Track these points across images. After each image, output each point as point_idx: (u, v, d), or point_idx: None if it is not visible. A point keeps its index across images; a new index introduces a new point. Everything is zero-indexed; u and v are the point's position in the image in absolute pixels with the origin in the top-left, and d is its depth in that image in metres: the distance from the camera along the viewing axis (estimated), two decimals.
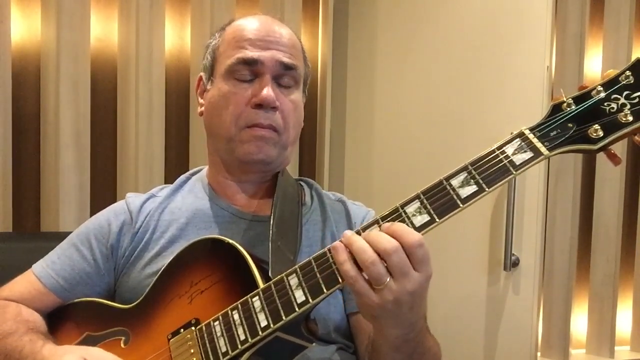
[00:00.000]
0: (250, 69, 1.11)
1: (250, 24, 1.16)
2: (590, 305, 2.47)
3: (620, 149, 2.30)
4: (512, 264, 1.69)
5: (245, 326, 0.85)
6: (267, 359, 0.87)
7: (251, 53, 1.10)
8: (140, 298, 1.04)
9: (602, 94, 0.78)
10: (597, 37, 2.44)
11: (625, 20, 2.37)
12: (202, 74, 1.22)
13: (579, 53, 2.25)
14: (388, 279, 0.75)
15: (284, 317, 0.82)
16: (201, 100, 1.21)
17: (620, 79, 0.78)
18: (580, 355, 2.48)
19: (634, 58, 0.79)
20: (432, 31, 1.95)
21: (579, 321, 2.50)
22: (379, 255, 0.75)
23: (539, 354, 2.21)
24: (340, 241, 0.79)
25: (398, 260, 0.75)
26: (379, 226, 0.80)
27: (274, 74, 1.11)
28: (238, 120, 1.10)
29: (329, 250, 0.82)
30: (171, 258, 1.02)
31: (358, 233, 0.80)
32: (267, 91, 1.08)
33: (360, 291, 0.77)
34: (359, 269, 0.77)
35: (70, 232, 1.21)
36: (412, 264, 0.76)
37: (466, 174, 0.78)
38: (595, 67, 2.44)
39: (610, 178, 2.40)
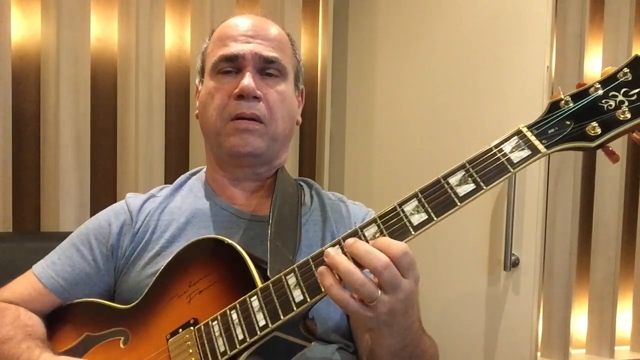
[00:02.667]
0: (233, 64, 1.12)
1: (234, 22, 1.18)
2: (590, 305, 2.47)
3: (620, 149, 2.29)
4: (512, 264, 1.68)
5: (244, 326, 0.85)
6: (265, 359, 0.87)
7: (232, 49, 1.12)
8: (140, 298, 1.04)
9: (600, 91, 0.78)
10: (597, 37, 2.43)
11: (625, 20, 2.37)
12: (196, 80, 1.25)
13: (579, 53, 2.25)
14: (379, 294, 0.75)
15: (282, 317, 0.82)
16: (197, 104, 1.23)
17: (618, 76, 0.78)
18: (580, 355, 2.48)
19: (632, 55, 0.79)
20: (432, 31, 1.95)
21: (579, 321, 2.49)
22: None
23: (539, 354, 2.21)
24: (324, 262, 0.79)
25: (390, 276, 0.75)
26: (377, 225, 0.80)
27: (256, 66, 1.12)
28: (222, 113, 1.11)
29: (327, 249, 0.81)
30: (170, 258, 1.03)
31: (356, 232, 0.80)
32: (247, 81, 1.09)
33: (353, 311, 0.77)
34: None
35: (70, 232, 1.22)
36: (401, 273, 0.76)
37: (464, 172, 0.78)
38: (595, 67, 2.44)
39: (610, 178, 2.39)
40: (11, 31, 1.89)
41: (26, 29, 1.94)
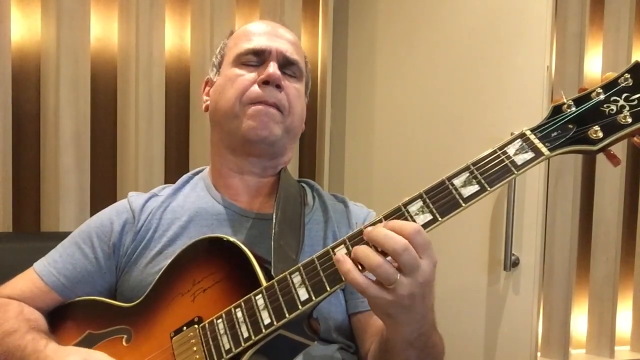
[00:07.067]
0: (258, 58, 1.16)
1: (256, 23, 1.22)
2: (590, 305, 2.48)
3: (620, 149, 2.30)
4: (512, 264, 1.69)
5: (249, 324, 0.86)
6: (269, 357, 0.87)
7: (260, 43, 1.16)
8: (143, 296, 1.04)
9: (602, 96, 0.79)
10: (597, 37, 2.44)
11: (625, 20, 2.37)
12: (208, 76, 1.26)
13: (579, 53, 2.25)
14: (398, 276, 0.75)
15: (287, 315, 0.82)
16: (206, 98, 1.23)
17: (619, 81, 0.79)
18: (580, 355, 2.48)
19: (633, 61, 0.80)
20: (432, 31, 1.95)
21: (579, 321, 2.50)
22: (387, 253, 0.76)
23: (539, 354, 2.21)
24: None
25: (409, 257, 0.75)
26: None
27: (279, 62, 1.15)
28: (242, 97, 1.13)
29: (332, 249, 0.82)
30: (173, 256, 1.03)
31: (360, 232, 0.81)
32: (273, 69, 1.12)
33: (373, 294, 0.77)
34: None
35: (70, 232, 1.22)
36: (417, 253, 0.76)
37: (468, 174, 0.79)
38: (595, 67, 2.44)
39: (610, 178, 2.40)
40: (11, 31, 1.89)
41: (26, 29, 1.94)
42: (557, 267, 2.33)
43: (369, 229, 0.78)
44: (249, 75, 1.14)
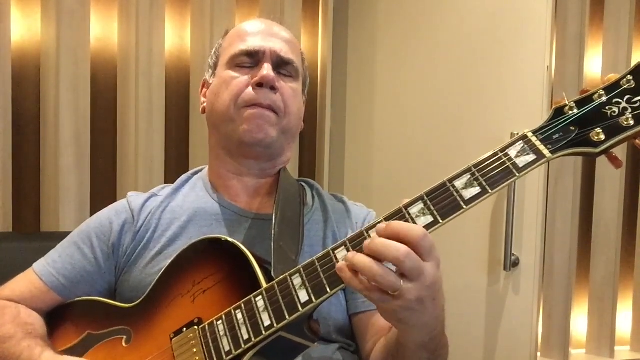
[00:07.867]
0: (252, 59, 1.15)
1: (252, 22, 1.21)
2: (590, 305, 2.47)
3: (620, 149, 2.29)
4: (512, 264, 1.69)
5: (249, 326, 0.85)
6: (269, 358, 0.87)
7: (254, 44, 1.15)
8: (142, 297, 1.04)
9: (604, 98, 0.79)
10: (597, 37, 2.44)
11: (625, 20, 2.37)
12: (205, 77, 1.25)
13: (579, 53, 2.25)
14: (402, 283, 0.74)
15: (287, 317, 0.82)
16: (203, 99, 1.23)
17: (621, 83, 0.79)
18: (580, 355, 2.48)
19: (634, 61, 0.80)
20: (432, 31, 1.95)
21: (579, 321, 2.50)
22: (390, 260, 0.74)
23: (539, 354, 2.21)
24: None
25: (411, 264, 0.73)
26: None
27: (273, 63, 1.14)
28: (237, 100, 1.12)
29: (332, 250, 0.82)
30: (173, 257, 1.03)
31: (362, 234, 0.80)
32: (267, 71, 1.11)
33: (377, 299, 0.76)
34: None
35: (70, 232, 1.21)
36: (421, 257, 0.75)
37: (469, 176, 0.78)
38: (595, 67, 2.44)
39: (610, 178, 2.40)
40: (11, 31, 1.88)
41: (26, 29, 1.94)
42: (557, 267, 2.33)
43: (367, 241, 0.76)
44: (243, 78, 1.14)
